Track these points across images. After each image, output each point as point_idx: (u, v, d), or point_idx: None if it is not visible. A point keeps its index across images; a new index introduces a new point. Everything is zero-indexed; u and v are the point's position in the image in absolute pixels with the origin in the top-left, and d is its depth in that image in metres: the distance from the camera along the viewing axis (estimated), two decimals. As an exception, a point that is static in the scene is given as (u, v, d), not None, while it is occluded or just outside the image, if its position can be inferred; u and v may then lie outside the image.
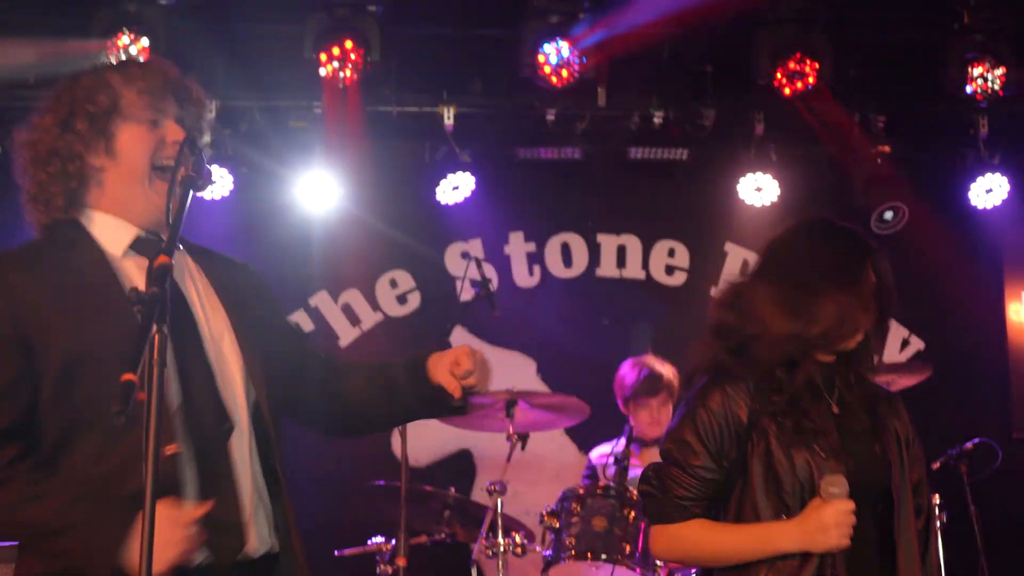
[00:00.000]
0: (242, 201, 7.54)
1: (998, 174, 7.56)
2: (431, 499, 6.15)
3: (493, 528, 5.73)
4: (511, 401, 6.11)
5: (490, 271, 6.37)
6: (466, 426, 6.56)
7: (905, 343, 8.08)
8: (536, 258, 8.10)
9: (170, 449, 2.62)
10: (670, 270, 8.16)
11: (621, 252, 8.15)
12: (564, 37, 6.63)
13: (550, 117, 7.35)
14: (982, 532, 6.33)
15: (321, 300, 7.96)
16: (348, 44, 6.60)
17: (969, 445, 6.49)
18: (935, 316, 7.85)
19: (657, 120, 7.49)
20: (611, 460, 5.85)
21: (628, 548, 5.43)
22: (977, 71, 6.87)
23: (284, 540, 2.88)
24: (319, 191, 7.43)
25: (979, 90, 6.87)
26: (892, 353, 7.89)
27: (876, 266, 3.20)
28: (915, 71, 7.69)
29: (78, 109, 2.87)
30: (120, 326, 2.61)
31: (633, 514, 5.48)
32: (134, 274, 2.83)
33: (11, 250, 2.87)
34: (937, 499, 5.80)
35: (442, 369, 2.99)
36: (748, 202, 7.67)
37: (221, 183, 7.34)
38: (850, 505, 3.01)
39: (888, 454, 3.19)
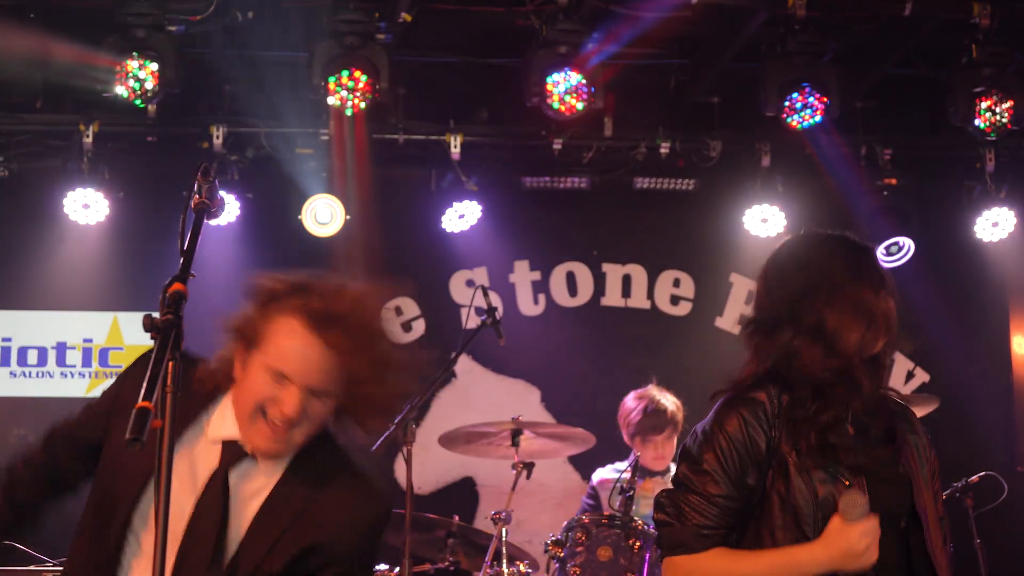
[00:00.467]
0: (248, 227, 7.53)
1: (1004, 208, 7.57)
2: (435, 527, 6.12)
3: (497, 557, 5.71)
4: (516, 430, 6.09)
5: (495, 299, 6.37)
6: (470, 453, 6.54)
7: (910, 375, 8.08)
8: (541, 287, 8.10)
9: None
10: (675, 300, 8.16)
11: (626, 281, 8.15)
12: (572, 67, 6.64)
13: (557, 146, 7.37)
14: (987, 565, 6.31)
15: (325, 327, 7.92)
16: (356, 72, 6.61)
17: (974, 478, 6.48)
18: (940, 348, 7.83)
19: (664, 151, 7.51)
20: (616, 489, 5.82)
21: (633, 579, 5.41)
22: (985, 104, 6.87)
23: None
24: (325, 218, 7.43)
25: (987, 124, 6.88)
26: (897, 385, 7.88)
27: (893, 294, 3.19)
28: (922, 104, 7.72)
29: None
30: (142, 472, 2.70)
31: (638, 544, 5.46)
32: (201, 458, 2.80)
33: None
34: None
35: None
36: (754, 233, 7.68)
37: (227, 209, 7.34)
38: (874, 521, 2.98)
39: (909, 472, 3.16)
